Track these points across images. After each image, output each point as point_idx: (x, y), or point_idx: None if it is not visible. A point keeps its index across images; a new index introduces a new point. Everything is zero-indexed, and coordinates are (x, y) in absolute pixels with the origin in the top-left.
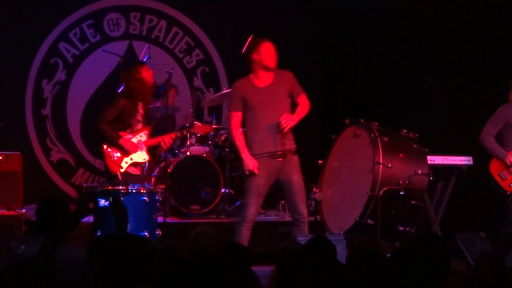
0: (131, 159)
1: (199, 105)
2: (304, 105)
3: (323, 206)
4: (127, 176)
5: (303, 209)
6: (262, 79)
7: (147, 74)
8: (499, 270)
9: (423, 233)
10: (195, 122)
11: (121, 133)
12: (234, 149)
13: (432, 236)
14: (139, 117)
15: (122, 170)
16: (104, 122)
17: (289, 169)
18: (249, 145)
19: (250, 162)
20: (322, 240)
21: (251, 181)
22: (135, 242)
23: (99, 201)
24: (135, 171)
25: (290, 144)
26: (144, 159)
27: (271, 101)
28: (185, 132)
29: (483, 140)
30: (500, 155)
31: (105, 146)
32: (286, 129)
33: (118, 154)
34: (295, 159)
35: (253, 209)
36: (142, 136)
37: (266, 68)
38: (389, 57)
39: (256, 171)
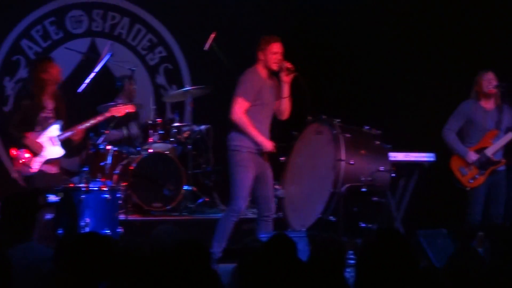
0: (43, 157)
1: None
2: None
3: (285, 203)
4: (43, 176)
5: (273, 205)
6: (268, 76)
7: (53, 71)
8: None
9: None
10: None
11: (30, 132)
12: (196, 146)
13: (394, 232)
14: (49, 113)
15: (32, 171)
16: (11, 126)
17: (265, 164)
18: (241, 138)
19: (268, 142)
20: (282, 238)
21: (243, 174)
22: (99, 240)
23: (58, 198)
24: (51, 169)
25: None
26: (58, 154)
27: (271, 100)
28: (100, 118)
29: (444, 136)
30: (460, 152)
31: (13, 151)
32: None
33: (27, 155)
34: (267, 155)
35: (243, 202)
36: (52, 131)
37: (267, 69)
38: (352, 53)
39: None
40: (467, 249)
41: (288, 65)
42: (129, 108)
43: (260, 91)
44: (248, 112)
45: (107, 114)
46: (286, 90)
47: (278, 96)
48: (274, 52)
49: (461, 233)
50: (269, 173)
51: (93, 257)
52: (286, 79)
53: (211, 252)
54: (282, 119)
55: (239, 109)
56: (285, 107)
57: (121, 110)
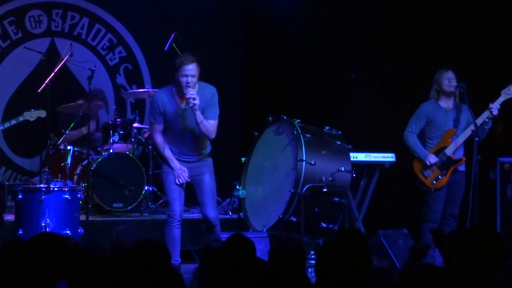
0: None
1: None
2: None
3: (246, 203)
4: None
5: (210, 211)
6: (182, 98)
7: None
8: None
9: (346, 230)
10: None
11: None
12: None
13: (354, 232)
14: None
15: None
16: None
17: (200, 170)
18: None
19: (178, 171)
20: (240, 238)
21: (166, 179)
22: (54, 241)
23: (19, 198)
24: None
25: (200, 153)
26: None
27: (189, 121)
28: (14, 122)
29: (405, 139)
30: (421, 155)
31: None
32: None
33: None
34: (207, 160)
35: (176, 205)
36: None
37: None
38: (313, 54)
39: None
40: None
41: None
42: (41, 114)
43: (165, 113)
44: (164, 133)
45: (21, 118)
46: (196, 117)
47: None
48: (182, 75)
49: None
50: (205, 178)
51: (50, 257)
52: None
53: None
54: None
55: (152, 132)
56: (203, 130)
57: (33, 115)
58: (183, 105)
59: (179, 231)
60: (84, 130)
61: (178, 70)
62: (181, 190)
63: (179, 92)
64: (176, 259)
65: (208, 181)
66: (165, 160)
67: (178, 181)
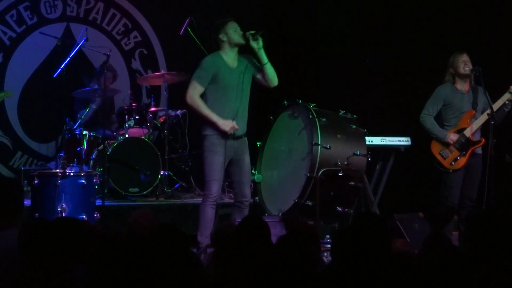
0: None
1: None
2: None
3: (262, 187)
4: None
5: (248, 191)
6: (232, 59)
7: None
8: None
9: (363, 213)
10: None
11: None
12: (172, 131)
13: (372, 216)
14: None
15: None
16: None
17: (242, 150)
18: (206, 124)
19: (225, 123)
20: (254, 220)
21: (212, 158)
22: (70, 225)
23: (35, 183)
24: None
25: (244, 126)
26: None
27: (238, 83)
28: None
29: (422, 121)
30: (440, 135)
31: None
32: None
33: None
34: (246, 140)
35: (215, 186)
36: None
37: (234, 47)
38: (327, 38)
39: (236, 127)
40: (439, 235)
41: (251, 33)
42: (7, 95)
43: (217, 74)
44: (205, 95)
45: None
46: (261, 57)
47: (247, 78)
48: (234, 29)
49: (436, 216)
50: (245, 158)
51: (68, 241)
52: (256, 45)
53: (190, 237)
54: (272, 87)
55: (192, 92)
56: (269, 73)
57: None
58: (235, 66)
59: (213, 211)
60: (93, 105)
61: (225, 27)
62: (221, 172)
63: (227, 55)
64: (206, 240)
65: (248, 161)
66: (207, 123)
67: (231, 131)
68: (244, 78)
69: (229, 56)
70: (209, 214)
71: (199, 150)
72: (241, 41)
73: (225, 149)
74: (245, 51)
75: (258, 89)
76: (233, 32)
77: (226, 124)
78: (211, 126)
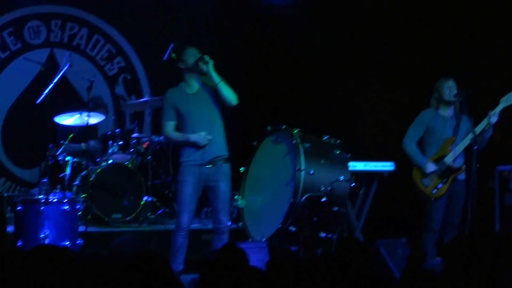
0: None
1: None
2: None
3: (245, 213)
4: None
5: (223, 218)
6: (194, 86)
7: None
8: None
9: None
10: None
11: None
12: (156, 157)
13: (354, 242)
14: None
15: None
16: None
17: (217, 176)
18: (180, 152)
19: (196, 137)
20: (231, 248)
21: (181, 189)
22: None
23: (18, 209)
24: None
25: (220, 151)
26: None
27: (200, 108)
28: None
29: (404, 147)
30: (420, 163)
31: None
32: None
33: None
34: (225, 167)
35: (185, 217)
36: None
37: (193, 73)
38: (312, 63)
39: (208, 137)
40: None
41: (199, 57)
42: None
43: (177, 105)
44: (177, 129)
45: None
46: (213, 78)
47: (209, 99)
48: (189, 55)
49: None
50: (221, 185)
51: (49, 270)
52: (205, 68)
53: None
54: (231, 106)
55: (164, 131)
56: (223, 93)
57: None
58: (196, 92)
59: (185, 240)
60: (82, 145)
61: (183, 54)
62: (191, 202)
63: (186, 83)
64: (178, 266)
65: (225, 188)
66: (181, 151)
67: (205, 141)
68: (208, 102)
69: (189, 84)
70: (179, 243)
71: None
72: (195, 67)
73: (195, 177)
74: None
75: (242, 114)
76: (189, 58)
77: (198, 138)
78: (183, 153)
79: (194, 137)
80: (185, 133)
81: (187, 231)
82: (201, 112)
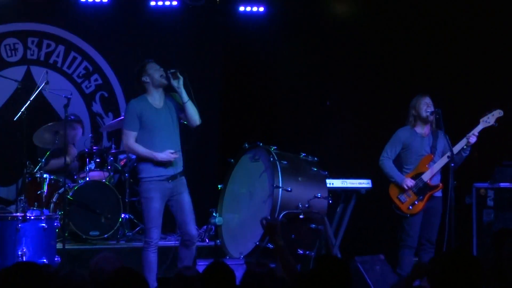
0: None
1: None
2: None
3: (223, 230)
4: None
5: (193, 230)
6: (158, 100)
7: None
8: None
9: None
10: None
11: None
12: (133, 174)
13: (334, 259)
14: None
15: None
16: None
17: (178, 189)
18: (140, 168)
19: (161, 155)
20: (220, 266)
21: (148, 205)
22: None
23: None
24: None
25: (179, 166)
26: None
27: (165, 123)
28: None
29: (381, 164)
30: (397, 179)
31: None
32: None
33: None
34: (183, 179)
35: (155, 233)
36: None
37: (158, 88)
38: (288, 81)
39: (174, 155)
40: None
41: (171, 71)
42: None
43: (142, 116)
44: (138, 140)
45: None
46: (182, 96)
47: (173, 117)
48: (154, 69)
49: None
50: (184, 197)
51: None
52: (176, 84)
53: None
54: (194, 126)
55: (125, 140)
56: (189, 112)
57: None
58: (161, 106)
59: (156, 255)
60: (67, 159)
61: (146, 68)
62: (159, 217)
63: (152, 97)
64: (152, 283)
65: (188, 199)
66: (141, 165)
67: (171, 158)
68: (172, 118)
69: (154, 97)
70: (151, 259)
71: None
72: (163, 81)
73: (161, 193)
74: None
75: (219, 131)
76: (154, 72)
77: (163, 156)
78: (144, 169)
79: (161, 156)
80: (147, 147)
81: (157, 247)
82: (167, 128)
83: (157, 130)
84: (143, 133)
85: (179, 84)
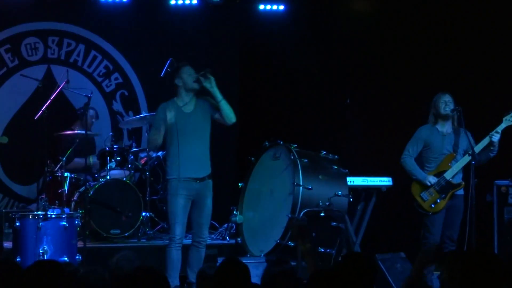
0: None
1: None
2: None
3: (244, 228)
4: None
5: (206, 232)
6: (188, 104)
7: None
8: None
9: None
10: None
11: None
12: (154, 172)
13: (358, 256)
14: None
15: None
16: None
17: (204, 192)
18: (170, 166)
19: None
20: (233, 262)
21: (173, 201)
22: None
23: (16, 225)
24: None
25: (207, 169)
26: None
27: (195, 127)
28: None
29: (403, 163)
30: (419, 177)
31: None
32: None
33: None
34: (210, 183)
35: (178, 229)
36: None
37: (189, 92)
38: (308, 78)
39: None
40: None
41: (201, 73)
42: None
43: (167, 119)
44: (166, 141)
45: None
46: (216, 95)
47: (204, 121)
48: (188, 73)
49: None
50: (207, 201)
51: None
52: (209, 84)
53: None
54: (230, 124)
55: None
56: (224, 110)
57: None
58: (190, 110)
59: (179, 253)
60: (90, 160)
61: (180, 72)
62: (184, 214)
63: (182, 100)
64: (173, 281)
65: (210, 204)
66: (169, 166)
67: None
68: (201, 122)
69: (184, 101)
70: (174, 256)
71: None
72: (194, 86)
73: (187, 192)
74: (203, 93)
75: (240, 130)
76: (187, 77)
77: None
78: (172, 169)
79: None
80: (173, 150)
81: (181, 244)
82: (195, 133)
83: (185, 134)
84: (171, 135)
85: (211, 84)
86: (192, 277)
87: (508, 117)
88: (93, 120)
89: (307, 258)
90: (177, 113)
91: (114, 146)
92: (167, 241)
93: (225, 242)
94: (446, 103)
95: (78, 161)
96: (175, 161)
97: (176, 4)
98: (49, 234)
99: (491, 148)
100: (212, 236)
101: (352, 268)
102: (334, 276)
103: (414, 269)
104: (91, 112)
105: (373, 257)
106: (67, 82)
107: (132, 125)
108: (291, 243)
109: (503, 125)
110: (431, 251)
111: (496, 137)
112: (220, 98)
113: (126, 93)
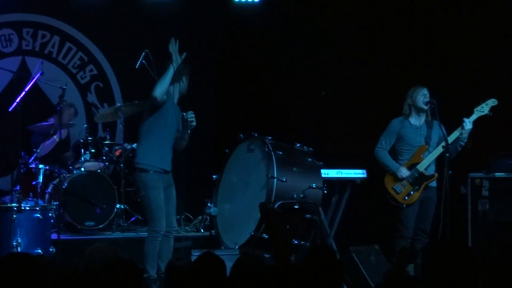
0: None
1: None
2: None
3: (218, 220)
4: None
5: (175, 222)
6: (175, 93)
7: None
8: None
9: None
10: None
11: None
12: (128, 164)
13: (325, 249)
14: None
15: None
16: None
17: (170, 183)
18: (147, 158)
19: None
20: (211, 256)
21: (155, 195)
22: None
23: None
24: None
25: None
26: None
27: (177, 121)
28: None
29: (377, 155)
30: (393, 169)
31: None
32: None
33: None
34: (171, 174)
35: (163, 222)
36: None
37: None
38: (283, 71)
39: None
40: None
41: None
42: None
43: (163, 106)
44: (151, 124)
45: None
46: (186, 134)
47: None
48: (186, 75)
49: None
50: (173, 191)
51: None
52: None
53: (144, 272)
54: (177, 150)
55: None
56: (183, 144)
57: None
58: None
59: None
60: (56, 137)
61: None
62: (165, 207)
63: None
64: (157, 271)
65: (175, 194)
66: (145, 156)
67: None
68: (177, 119)
69: (175, 93)
70: (157, 248)
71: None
72: (183, 92)
73: (163, 184)
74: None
75: (215, 122)
76: (186, 80)
77: None
78: (151, 160)
79: None
80: (154, 135)
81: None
82: (174, 125)
83: (169, 126)
84: (154, 124)
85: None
86: (164, 268)
87: (479, 107)
88: (72, 117)
89: (274, 241)
90: (170, 103)
91: (89, 138)
92: (145, 234)
93: (200, 234)
94: (424, 96)
95: (47, 143)
96: (155, 153)
97: None
98: (23, 226)
99: (460, 142)
100: (187, 228)
101: (318, 263)
102: (302, 270)
103: (395, 265)
104: (71, 110)
105: (344, 249)
106: (42, 74)
107: (107, 119)
108: (265, 235)
109: (474, 116)
110: (408, 251)
111: (468, 125)
112: (186, 136)
113: (101, 85)
